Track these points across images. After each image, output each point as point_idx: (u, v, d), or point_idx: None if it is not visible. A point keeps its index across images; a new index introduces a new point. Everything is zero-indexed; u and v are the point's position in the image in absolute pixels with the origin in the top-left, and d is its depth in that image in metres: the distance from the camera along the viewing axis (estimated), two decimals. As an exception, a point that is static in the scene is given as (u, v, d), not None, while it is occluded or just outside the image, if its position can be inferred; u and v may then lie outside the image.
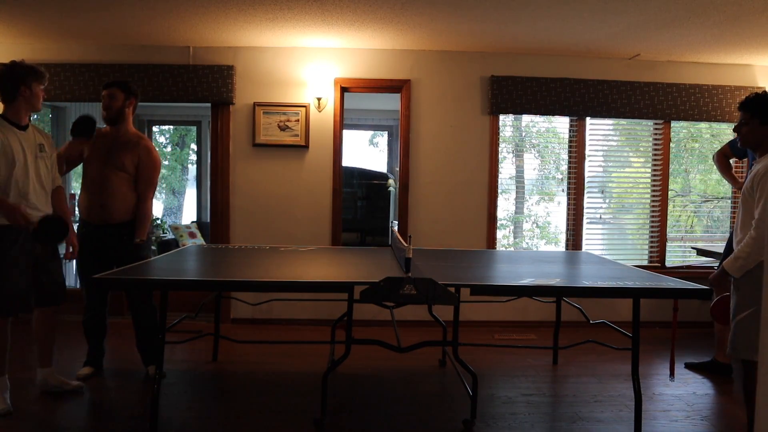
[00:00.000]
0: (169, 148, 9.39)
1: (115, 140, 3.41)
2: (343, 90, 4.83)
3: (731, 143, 3.79)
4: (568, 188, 5.07)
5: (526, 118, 5.68)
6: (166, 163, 9.09)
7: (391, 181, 7.43)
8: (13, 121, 2.89)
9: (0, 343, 2.89)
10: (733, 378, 3.68)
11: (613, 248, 5.20)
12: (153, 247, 6.77)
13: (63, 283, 3.19)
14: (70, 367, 3.49)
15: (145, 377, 3.45)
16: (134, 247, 3.34)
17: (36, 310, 3.05)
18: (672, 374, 3.24)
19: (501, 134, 5.04)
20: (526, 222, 6.59)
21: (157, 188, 3.87)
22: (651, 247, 5.12)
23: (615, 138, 5.32)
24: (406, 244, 2.70)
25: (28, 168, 2.89)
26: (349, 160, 7.17)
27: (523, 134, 5.98)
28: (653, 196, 5.08)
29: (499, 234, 5.40)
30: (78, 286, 3.87)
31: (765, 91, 2.72)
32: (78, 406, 3.06)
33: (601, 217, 5.28)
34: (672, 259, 5.15)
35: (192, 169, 8.98)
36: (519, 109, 4.83)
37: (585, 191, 5.06)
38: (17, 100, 2.87)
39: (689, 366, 3.89)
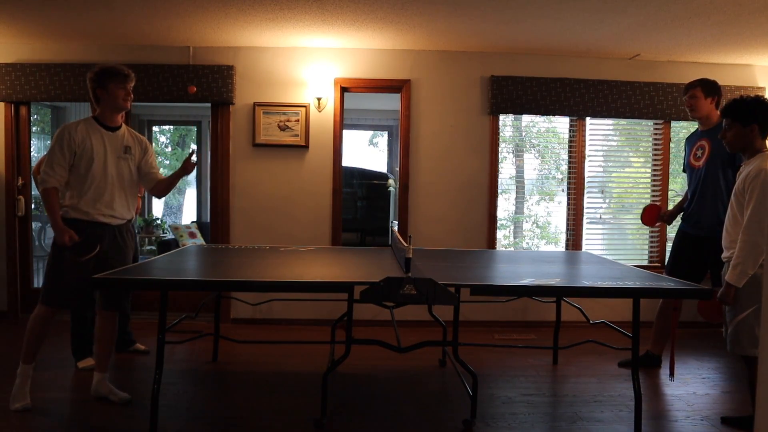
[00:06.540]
0: (169, 148, 9.40)
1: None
2: (343, 90, 4.83)
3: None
4: (568, 188, 5.07)
5: (526, 118, 5.68)
6: (167, 162, 9.10)
7: (391, 181, 7.43)
8: (101, 121, 3.00)
9: (37, 332, 2.91)
10: (734, 375, 3.68)
11: (613, 248, 5.20)
12: (153, 248, 6.80)
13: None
14: (71, 364, 3.52)
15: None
16: None
17: (98, 313, 3.08)
18: (672, 374, 3.25)
19: (501, 134, 5.03)
20: (526, 222, 6.59)
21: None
22: (651, 247, 5.12)
23: (615, 138, 5.32)
24: (406, 244, 2.70)
25: (107, 166, 2.96)
26: (349, 160, 7.17)
27: (523, 134, 5.98)
28: (653, 196, 5.08)
29: (499, 234, 5.40)
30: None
31: (742, 96, 2.81)
32: (77, 405, 3.06)
33: (601, 217, 5.28)
34: (672, 259, 5.14)
35: (192, 169, 8.96)
36: (519, 109, 4.83)
37: (585, 191, 5.06)
38: (101, 103, 2.99)
39: (622, 365, 3.83)
